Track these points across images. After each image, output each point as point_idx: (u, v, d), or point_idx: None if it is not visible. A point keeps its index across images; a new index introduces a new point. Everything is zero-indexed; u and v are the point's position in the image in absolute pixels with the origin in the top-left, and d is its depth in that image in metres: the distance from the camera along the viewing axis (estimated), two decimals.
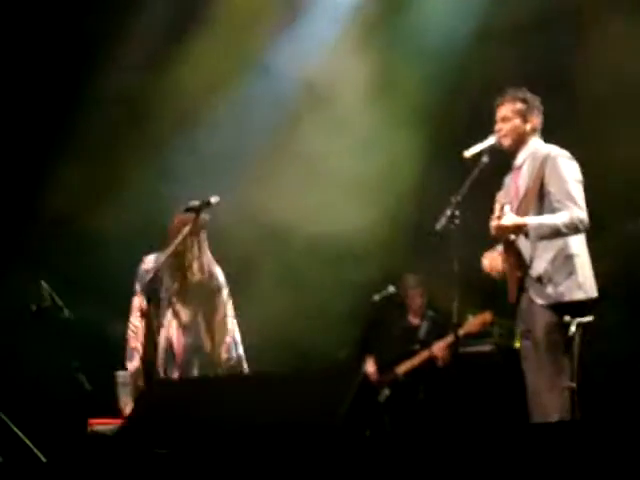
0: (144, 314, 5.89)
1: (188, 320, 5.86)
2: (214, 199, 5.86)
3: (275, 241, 7.51)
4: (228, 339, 5.87)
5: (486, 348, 7.21)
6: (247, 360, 5.90)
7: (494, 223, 5.21)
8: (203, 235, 5.93)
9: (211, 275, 5.93)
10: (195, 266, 5.89)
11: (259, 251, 7.60)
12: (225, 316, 5.90)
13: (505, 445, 3.49)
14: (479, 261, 5.44)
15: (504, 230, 5.21)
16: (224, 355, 5.84)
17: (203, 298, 5.89)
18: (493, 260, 5.37)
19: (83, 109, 7.75)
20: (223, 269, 5.97)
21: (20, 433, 5.72)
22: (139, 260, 5.97)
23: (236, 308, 5.93)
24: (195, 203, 5.83)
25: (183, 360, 5.82)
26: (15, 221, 7.79)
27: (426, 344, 7.38)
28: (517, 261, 5.27)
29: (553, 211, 5.17)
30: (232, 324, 5.88)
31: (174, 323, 5.86)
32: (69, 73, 7.79)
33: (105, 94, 7.78)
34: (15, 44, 7.75)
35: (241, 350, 5.88)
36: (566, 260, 5.19)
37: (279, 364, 6.96)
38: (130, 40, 7.82)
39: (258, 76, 7.87)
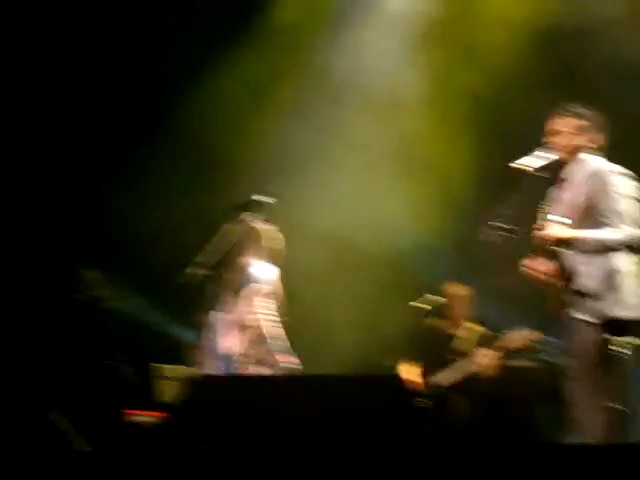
0: None
1: None
2: (264, 199, 5.91)
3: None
4: None
5: (529, 364, 7.16)
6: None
7: (541, 233, 5.19)
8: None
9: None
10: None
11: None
12: None
13: (542, 463, 3.48)
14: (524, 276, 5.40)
15: (550, 240, 5.18)
16: None
17: None
18: (536, 266, 5.32)
19: None
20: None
21: (66, 423, 5.78)
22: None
23: None
24: (243, 200, 5.91)
25: None
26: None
27: (465, 355, 7.35)
28: (560, 274, 5.24)
29: (600, 226, 5.14)
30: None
31: None
32: None
33: None
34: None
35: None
36: (611, 276, 5.14)
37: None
38: None
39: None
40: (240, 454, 4.00)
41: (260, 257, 6.29)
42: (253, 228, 6.17)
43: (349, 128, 7.88)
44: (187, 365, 6.48)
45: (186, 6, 8.07)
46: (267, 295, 6.24)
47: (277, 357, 6.08)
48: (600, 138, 5.39)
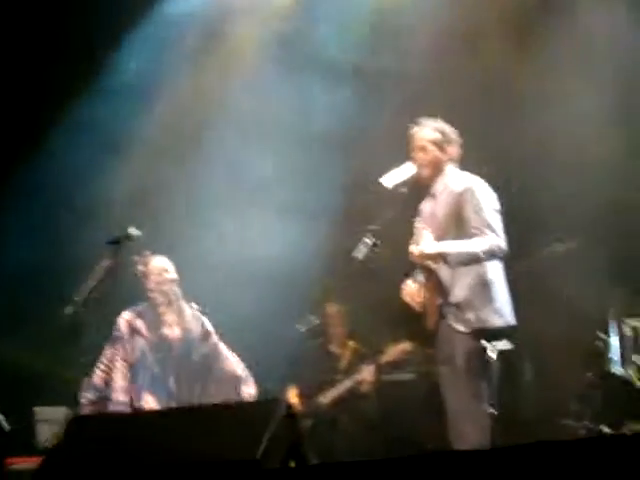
0: None
1: None
2: (134, 231, 5.84)
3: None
4: None
5: (406, 376, 7.23)
6: None
7: (415, 249, 5.25)
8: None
9: None
10: None
11: None
12: None
13: (426, 474, 3.49)
14: (399, 289, 5.47)
15: (425, 256, 5.25)
16: None
17: None
18: (412, 290, 5.40)
19: None
20: None
21: None
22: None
23: None
24: (117, 236, 5.84)
25: None
26: None
27: (348, 373, 7.38)
28: (436, 288, 5.31)
29: (471, 238, 5.23)
30: None
31: None
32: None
33: None
34: None
35: None
36: (484, 287, 5.25)
37: None
38: None
39: None
40: None
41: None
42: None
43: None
44: (68, 406, 6.34)
45: None
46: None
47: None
48: (459, 151, 5.50)
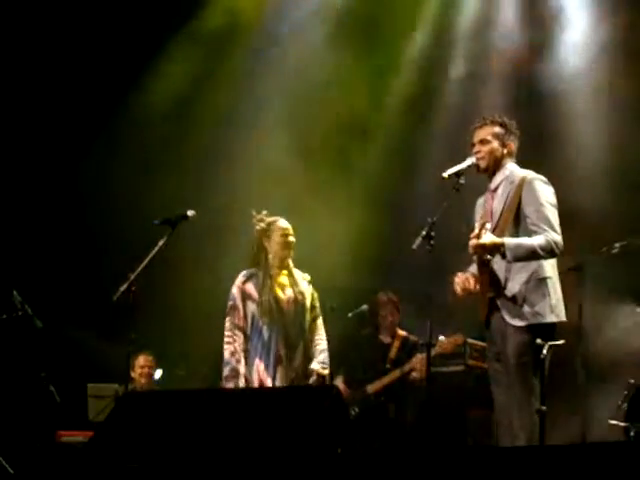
0: None
1: None
2: (190, 212, 5.88)
3: None
4: None
5: (457, 368, 7.22)
6: None
7: (473, 242, 5.25)
8: None
9: None
10: None
11: None
12: None
13: (472, 467, 3.50)
14: (452, 282, 5.46)
15: (483, 249, 5.24)
16: None
17: None
18: (465, 280, 5.39)
19: None
20: None
21: None
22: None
23: None
24: (171, 215, 5.85)
25: None
26: None
27: (397, 363, 7.38)
28: (491, 281, 5.29)
29: (529, 234, 5.21)
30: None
31: None
32: None
33: None
34: None
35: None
36: (539, 283, 5.23)
37: None
38: None
39: None
40: (169, 470, 3.97)
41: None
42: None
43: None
44: (120, 383, 6.41)
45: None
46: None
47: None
48: (516, 145, 5.49)
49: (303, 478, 3.69)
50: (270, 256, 6.11)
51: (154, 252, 5.69)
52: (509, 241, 5.19)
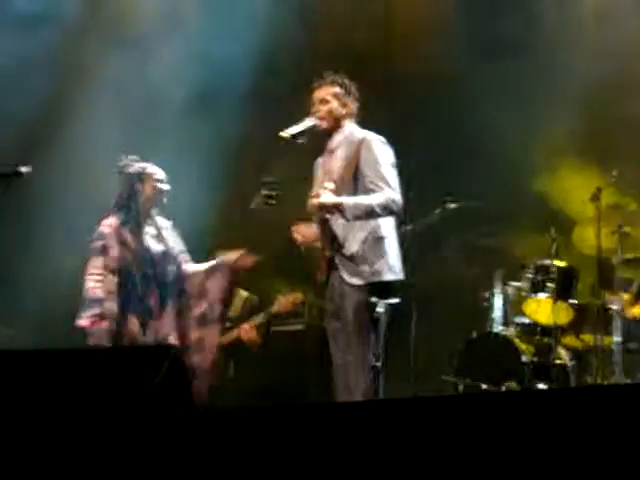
0: None
1: None
2: (25, 169, 5.69)
3: None
4: None
5: (296, 327, 7.29)
6: None
7: (313, 201, 5.28)
8: None
9: None
10: None
11: None
12: None
13: (309, 424, 3.54)
14: (292, 240, 5.50)
15: (321, 208, 5.29)
16: None
17: None
18: (305, 230, 5.42)
19: None
20: None
21: None
22: None
23: None
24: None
25: None
26: None
27: (237, 323, 7.40)
28: (330, 240, 5.36)
29: (367, 193, 5.28)
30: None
31: None
32: None
33: None
34: None
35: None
36: (377, 241, 5.32)
37: None
38: None
39: None
40: None
41: None
42: None
43: None
44: None
45: None
46: None
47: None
48: (356, 106, 5.54)
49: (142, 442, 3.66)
50: (142, 203, 5.84)
51: None
52: (347, 200, 5.25)
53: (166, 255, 5.86)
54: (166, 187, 5.88)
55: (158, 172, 5.91)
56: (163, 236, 5.88)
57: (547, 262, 6.93)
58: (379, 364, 5.15)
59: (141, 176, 5.86)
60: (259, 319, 6.97)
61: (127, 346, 5.62)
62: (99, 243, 5.72)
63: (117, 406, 3.75)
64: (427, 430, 3.32)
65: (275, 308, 6.91)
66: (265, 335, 6.72)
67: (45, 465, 3.63)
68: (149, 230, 5.88)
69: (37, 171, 5.55)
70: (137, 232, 5.80)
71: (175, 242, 5.93)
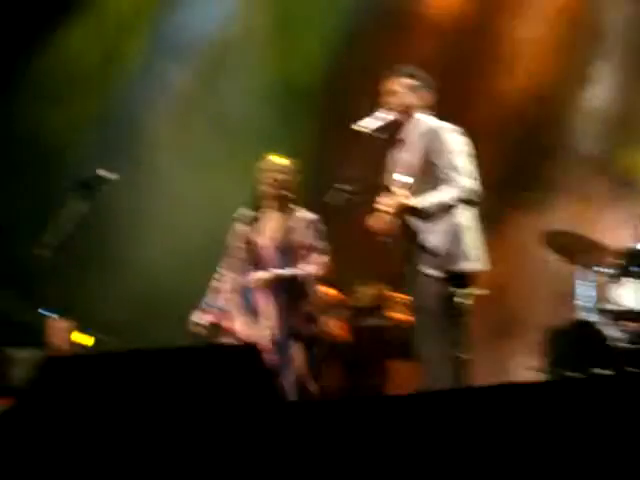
0: None
1: None
2: (106, 173, 5.79)
3: None
4: None
5: (380, 322, 7.25)
6: None
7: (384, 204, 5.26)
8: None
9: None
10: None
11: None
12: None
13: (396, 415, 3.54)
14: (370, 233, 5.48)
15: (396, 209, 5.26)
16: None
17: None
18: (379, 218, 5.37)
19: None
20: None
21: None
22: None
23: None
24: (88, 178, 5.75)
25: None
26: None
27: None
28: (406, 232, 5.32)
29: (439, 183, 5.24)
30: None
31: None
32: None
33: None
34: None
35: None
36: (455, 231, 5.26)
37: None
38: None
39: None
40: (95, 436, 3.94)
41: None
42: None
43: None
44: (39, 347, 6.32)
45: None
46: None
47: None
48: (430, 97, 5.50)
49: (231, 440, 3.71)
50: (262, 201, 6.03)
51: (73, 216, 5.59)
52: (422, 203, 5.21)
53: (278, 253, 5.94)
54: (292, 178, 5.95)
55: (271, 166, 5.97)
56: (278, 234, 5.95)
57: (633, 246, 6.78)
58: (464, 355, 5.11)
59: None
60: (342, 313, 6.97)
61: (210, 345, 5.73)
62: (229, 243, 5.96)
63: (208, 404, 3.81)
64: (515, 417, 3.29)
65: (358, 302, 6.91)
66: (349, 329, 6.70)
67: (148, 461, 3.71)
68: (265, 226, 5.98)
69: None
70: (257, 230, 5.95)
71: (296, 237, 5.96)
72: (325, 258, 5.92)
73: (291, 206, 5.98)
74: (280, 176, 5.96)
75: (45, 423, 4.03)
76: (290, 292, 5.88)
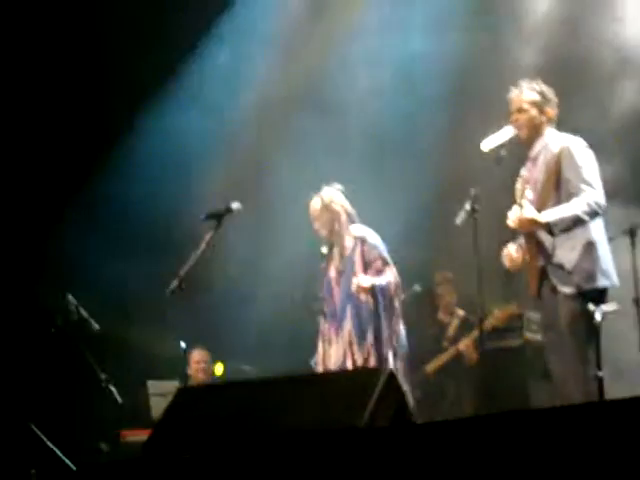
0: None
1: None
2: (235, 205, 5.87)
3: None
4: None
5: (514, 342, 7.13)
6: None
7: (514, 220, 5.20)
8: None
9: None
10: None
11: None
12: None
13: (532, 435, 3.47)
14: (500, 253, 5.41)
15: (525, 224, 5.19)
16: None
17: None
18: (513, 258, 5.33)
19: None
20: None
21: (51, 445, 5.75)
22: None
23: None
24: (217, 209, 5.85)
25: None
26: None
27: (455, 342, 7.34)
28: (538, 250, 5.24)
29: (569, 198, 5.15)
30: None
31: None
32: None
33: None
34: None
35: None
36: (587, 247, 5.16)
37: None
38: None
39: None
40: (225, 461, 3.99)
41: None
42: None
43: None
44: (180, 380, 6.45)
45: None
46: None
47: None
48: (555, 111, 5.42)
49: (358, 461, 3.68)
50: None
51: (202, 248, 5.70)
52: (552, 217, 5.12)
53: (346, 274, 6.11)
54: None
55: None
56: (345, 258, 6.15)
57: None
58: (601, 373, 4.96)
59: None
60: (475, 334, 6.89)
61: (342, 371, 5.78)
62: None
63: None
64: None
65: (491, 322, 6.82)
66: (482, 350, 6.61)
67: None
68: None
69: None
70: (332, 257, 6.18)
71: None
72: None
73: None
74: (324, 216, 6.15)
75: (178, 451, 4.12)
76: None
